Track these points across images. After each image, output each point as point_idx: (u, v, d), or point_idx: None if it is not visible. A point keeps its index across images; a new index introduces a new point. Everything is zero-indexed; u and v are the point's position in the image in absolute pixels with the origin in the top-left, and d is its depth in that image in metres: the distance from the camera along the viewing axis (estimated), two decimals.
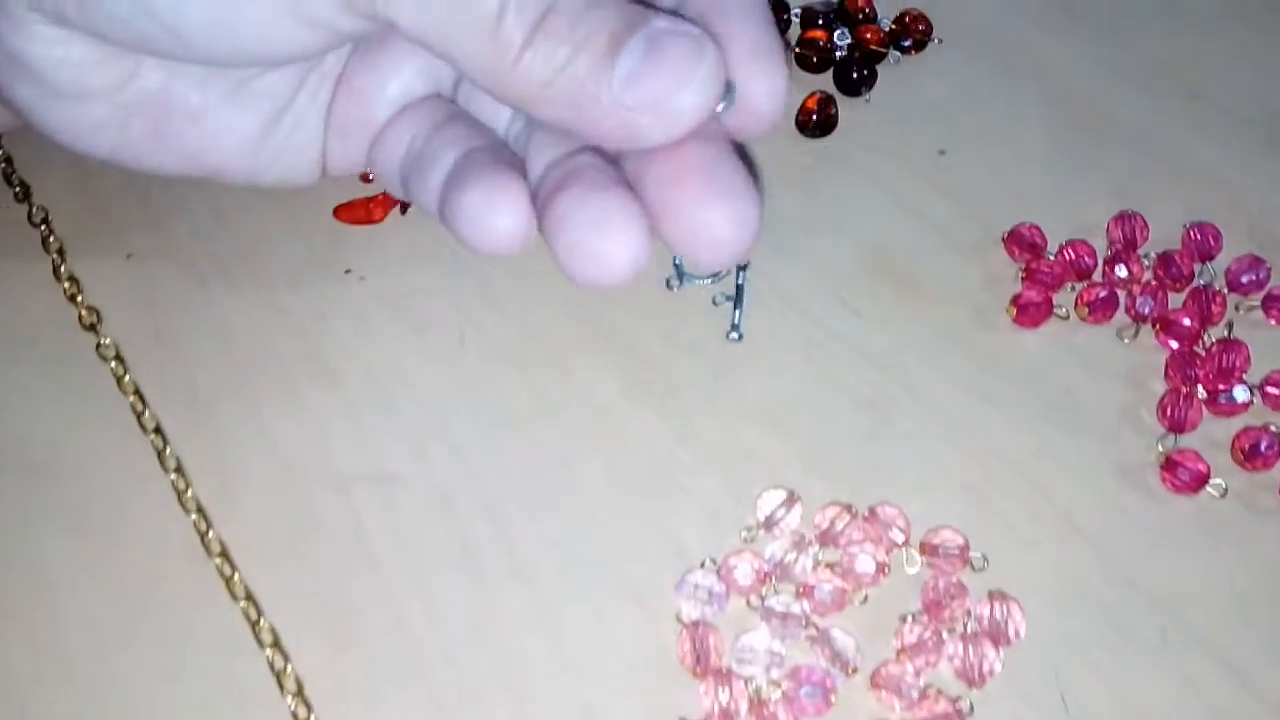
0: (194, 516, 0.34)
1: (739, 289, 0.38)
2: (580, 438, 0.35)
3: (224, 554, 0.33)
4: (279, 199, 0.40)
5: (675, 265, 0.39)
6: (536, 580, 0.33)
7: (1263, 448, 0.33)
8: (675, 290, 0.38)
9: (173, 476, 0.35)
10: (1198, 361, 0.35)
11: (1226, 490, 0.33)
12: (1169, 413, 0.34)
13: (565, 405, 0.36)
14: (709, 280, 0.38)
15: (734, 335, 0.37)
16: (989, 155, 0.41)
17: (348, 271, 0.39)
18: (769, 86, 0.29)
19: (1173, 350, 0.36)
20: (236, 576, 0.33)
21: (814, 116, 0.41)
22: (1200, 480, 0.33)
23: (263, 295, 0.38)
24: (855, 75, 0.42)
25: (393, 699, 0.31)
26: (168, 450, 0.35)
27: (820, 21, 0.44)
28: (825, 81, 0.43)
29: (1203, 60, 0.44)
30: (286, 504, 0.34)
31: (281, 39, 0.30)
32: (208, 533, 0.34)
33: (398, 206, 0.40)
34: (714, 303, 0.38)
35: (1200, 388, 0.35)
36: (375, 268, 0.39)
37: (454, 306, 0.38)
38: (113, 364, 0.37)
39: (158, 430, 0.36)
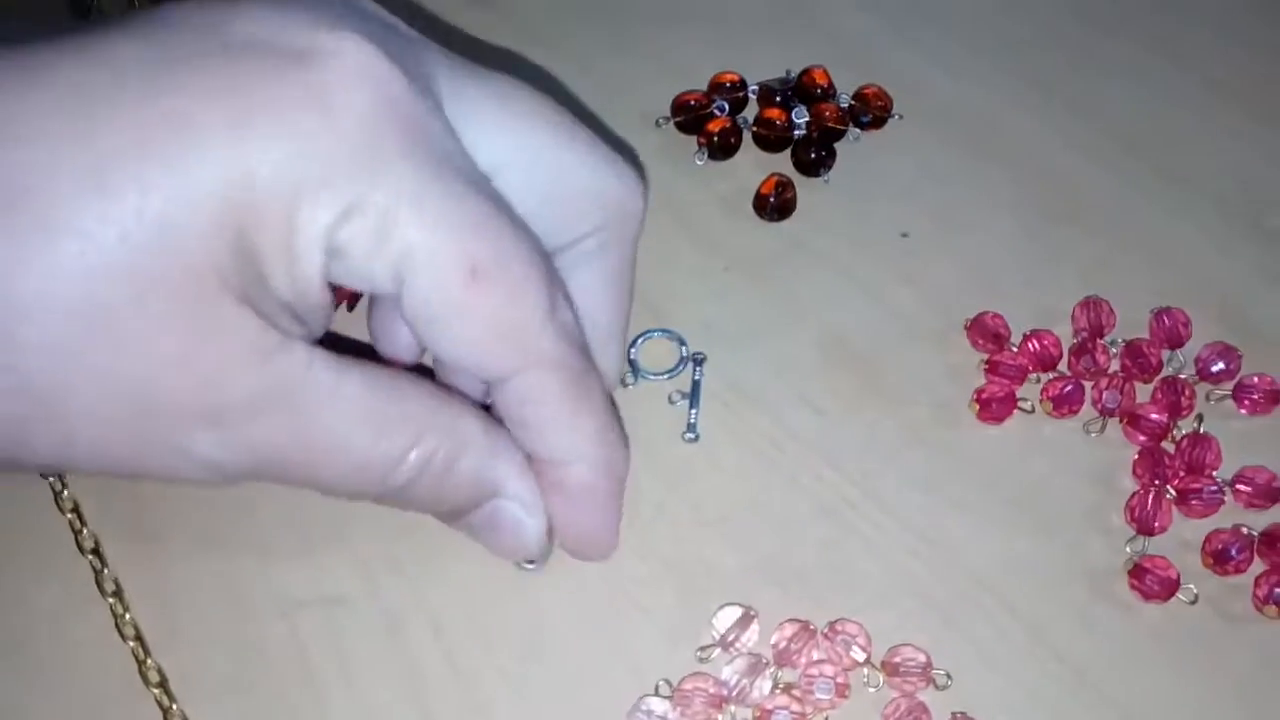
0: (132, 644, 0.33)
1: (695, 385, 0.37)
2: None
3: (162, 684, 0.32)
4: None
5: (630, 361, 0.38)
6: (489, 711, 0.31)
7: (1233, 552, 0.32)
8: (630, 387, 0.37)
9: (110, 600, 0.33)
10: (1167, 459, 0.34)
11: (1197, 597, 0.32)
12: (1137, 514, 0.33)
13: None
14: (664, 376, 0.37)
15: (690, 436, 0.36)
16: (952, 237, 0.40)
17: None
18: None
19: (1141, 446, 0.35)
20: (175, 708, 0.32)
21: (771, 200, 0.40)
22: (1170, 588, 0.32)
23: None
24: (813, 155, 0.41)
25: None
26: (105, 571, 0.34)
27: (778, 99, 0.43)
28: (783, 161, 0.42)
29: (1175, 138, 0.43)
30: (230, 630, 0.33)
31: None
32: (145, 660, 0.33)
33: (345, 301, 0.39)
34: (670, 401, 0.37)
35: (1170, 487, 0.34)
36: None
37: None
38: (50, 479, 0.36)
39: (95, 550, 0.34)
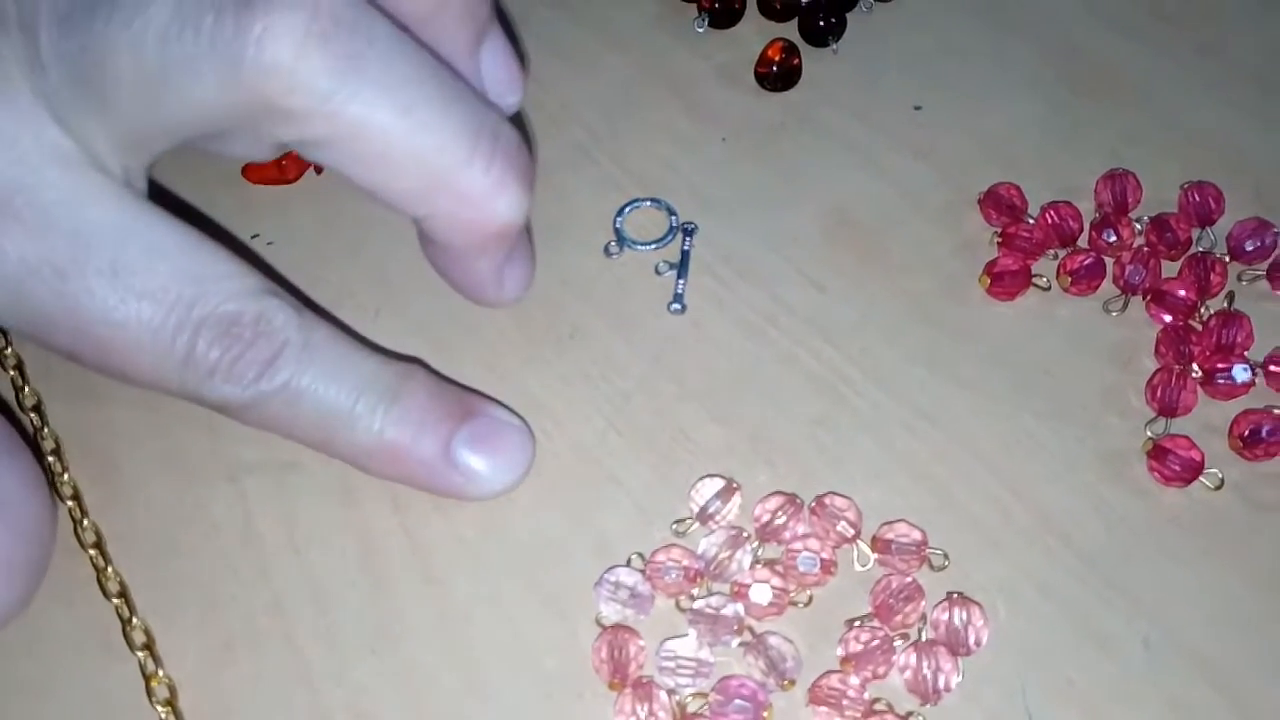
0: (69, 503, 0.31)
1: (684, 255, 0.34)
2: None
3: (98, 544, 0.30)
4: (189, 157, 0.36)
5: (615, 230, 0.35)
6: (444, 583, 0.29)
7: (1264, 433, 0.29)
8: (615, 257, 0.35)
9: (49, 459, 0.31)
10: (1193, 337, 0.31)
11: (1223, 482, 0.30)
12: (1159, 393, 0.31)
13: (487, 388, 0.32)
14: (652, 246, 0.35)
15: (676, 307, 0.34)
16: (969, 111, 0.37)
17: (254, 236, 0.35)
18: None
19: (1165, 324, 0.32)
20: (110, 570, 0.30)
21: (774, 67, 0.37)
22: (1193, 470, 0.29)
23: None
24: (822, 23, 0.38)
25: (276, 717, 0.27)
26: (46, 430, 0.32)
27: None
28: (790, 30, 0.39)
29: (1212, 8, 0.40)
30: (171, 493, 0.31)
31: None
32: (82, 520, 0.30)
33: (311, 166, 0.36)
34: (657, 271, 0.34)
35: (1195, 366, 0.31)
36: (285, 233, 0.35)
37: (370, 277, 0.35)
38: None
39: (36, 408, 0.32)
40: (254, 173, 0.36)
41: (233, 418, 0.28)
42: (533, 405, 0.32)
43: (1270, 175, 0.35)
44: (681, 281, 0.34)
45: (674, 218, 0.35)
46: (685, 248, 0.35)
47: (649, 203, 0.36)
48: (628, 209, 0.35)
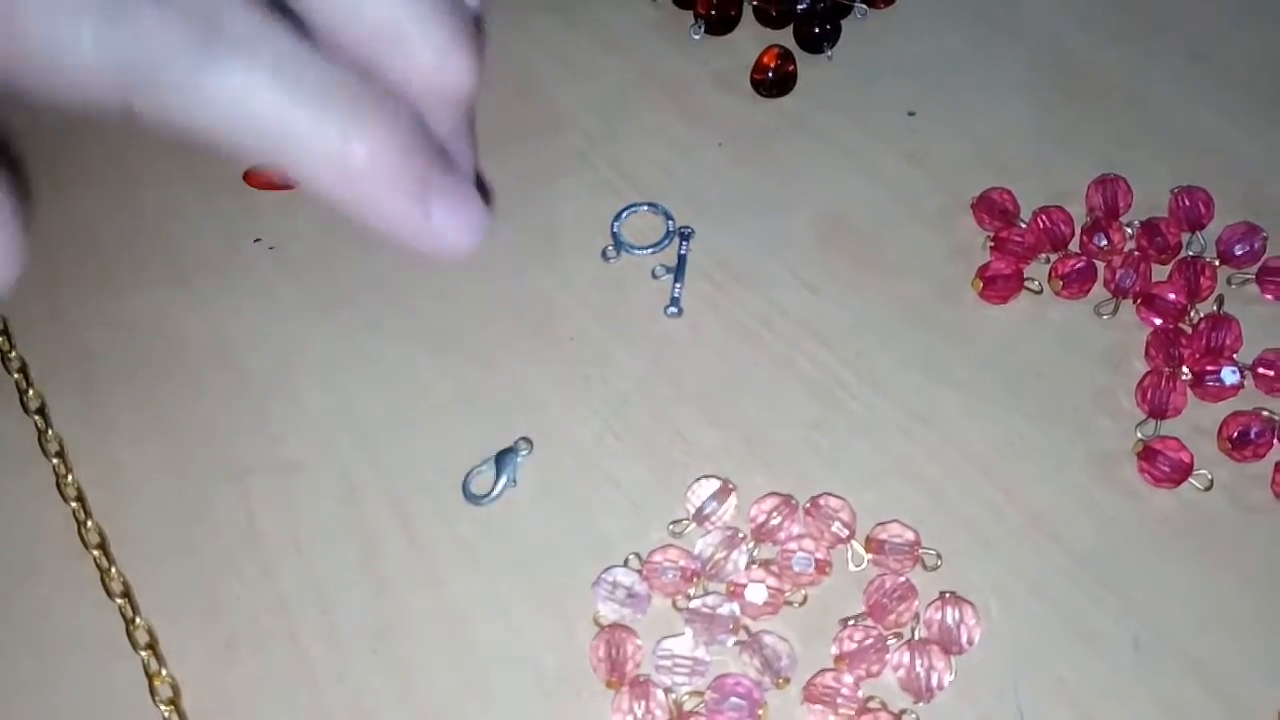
0: (73, 505, 0.31)
1: (681, 260, 0.35)
2: (502, 427, 0.32)
3: (102, 546, 0.30)
4: (193, 163, 0.37)
5: (613, 234, 0.35)
6: (444, 584, 0.29)
7: (1253, 435, 0.30)
8: (612, 262, 0.35)
9: (54, 461, 0.32)
10: (1183, 340, 0.32)
11: (1212, 483, 0.30)
12: (1149, 395, 0.31)
13: (487, 391, 0.33)
14: (649, 250, 0.35)
15: (673, 310, 0.34)
16: (962, 117, 0.38)
17: (257, 240, 0.36)
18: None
19: (1155, 327, 0.32)
20: (114, 570, 0.30)
21: (770, 74, 0.38)
22: (1183, 471, 0.30)
23: (167, 271, 0.35)
24: (817, 30, 0.39)
25: (278, 717, 0.28)
26: (50, 433, 0.32)
27: None
28: (785, 37, 0.40)
29: (1204, 16, 0.40)
30: (175, 494, 0.31)
31: None
32: (85, 522, 0.31)
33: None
34: (653, 275, 0.35)
35: (1185, 369, 0.31)
36: (286, 238, 0.36)
37: (371, 282, 0.35)
38: None
39: (40, 411, 0.33)
40: (255, 178, 0.36)
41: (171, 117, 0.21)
42: (533, 408, 0.32)
43: (1259, 180, 0.36)
44: (678, 285, 0.34)
45: (670, 222, 0.36)
46: (682, 252, 0.35)
47: (646, 207, 0.36)
48: (625, 213, 0.36)
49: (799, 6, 0.39)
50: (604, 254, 0.35)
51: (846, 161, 0.37)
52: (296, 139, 0.20)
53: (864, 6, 0.40)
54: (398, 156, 0.21)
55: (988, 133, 0.37)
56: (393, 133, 0.21)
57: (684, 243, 0.35)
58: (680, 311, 0.34)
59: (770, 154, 0.37)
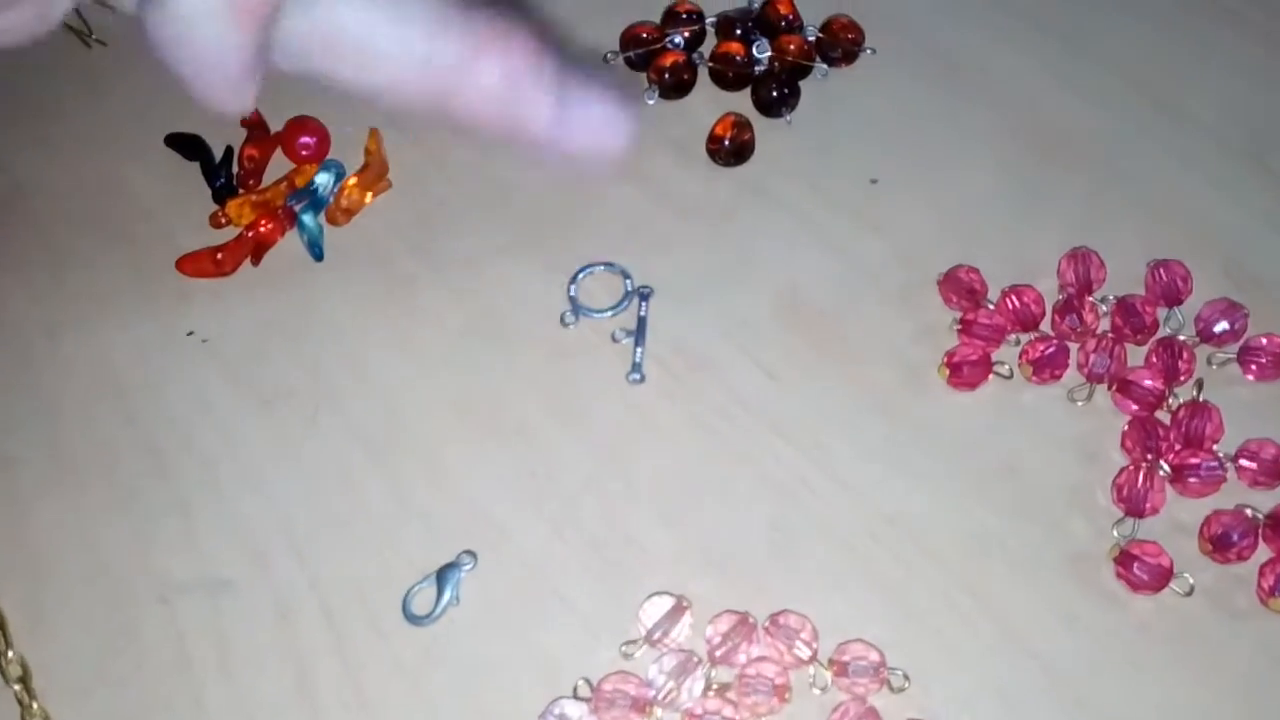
0: None
1: (641, 322, 0.33)
2: (443, 536, 0.30)
3: (23, 680, 0.29)
4: (126, 248, 0.35)
5: (570, 298, 0.34)
6: (379, 710, 0.28)
7: (1235, 537, 0.28)
8: (571, 327, 0.33)
9: None
10: (1161, 430, 0.30)
11: (1193, 588, 0.28)
12: (1126, 493, 0.29)
13: (428, 495, 0.31)
14: (607, 313, 0.34)
15: (635, 376, 0.32)
16: (927, 184, 0.36)
17: (190, 334, 0.34)
18: None
19: (1132, 414, 0.31)
20: (35, 707, 0.28)
21: (725, 143, 0.36)
22: (1162, 578, 0.28)
23: (94, 367, 0.34)
24: (775, 93, 0.37)
25: None
26: None
27: (738, 31, 0.38)
28: (742, 101, 0.38)
29: (1174, 68, 0.38)
30: (102, 617, 0.30)
31: None
32: (6, 653, 0.29)
33: (249, 257, 0.35)
34: (614, 339, 0.33)
35: (1163, 462, 0.30)
36: (221, 328, 0.34)
37: (308, 374, 0.33)
38: None
39: None
40: (189, 264, 0.35)
41: None
42: (476, 513, 0.31)
43: (1238, 251, 0.34)
44: (639, 350, 0.33)
45: (629, 281, 0.34)
46: (641, 314, 0.33)
47: (602, 268, 0.34)
48: (581, 274, 0.34)
49: (756, 69, 0.38)
50: (562, 319, 0.33)
51: (806, 233, 0.35)
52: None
53: (824, 66, 0.38)
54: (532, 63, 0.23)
55: (954, 201, 0.36)
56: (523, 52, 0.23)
57: (643, 303, 0.34)
58: (643, 378, 0.32)
59: (728, 226, 0.36)
